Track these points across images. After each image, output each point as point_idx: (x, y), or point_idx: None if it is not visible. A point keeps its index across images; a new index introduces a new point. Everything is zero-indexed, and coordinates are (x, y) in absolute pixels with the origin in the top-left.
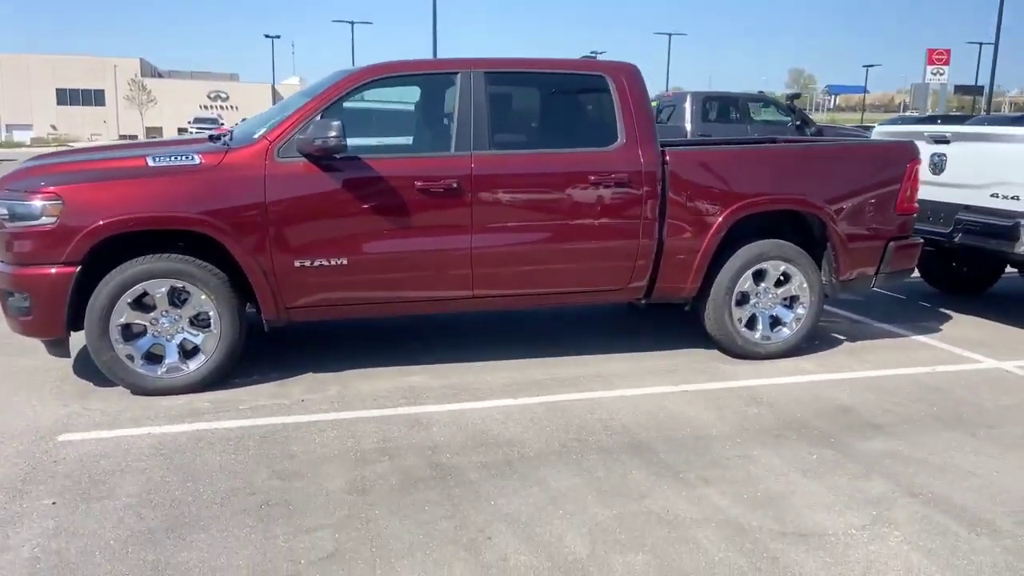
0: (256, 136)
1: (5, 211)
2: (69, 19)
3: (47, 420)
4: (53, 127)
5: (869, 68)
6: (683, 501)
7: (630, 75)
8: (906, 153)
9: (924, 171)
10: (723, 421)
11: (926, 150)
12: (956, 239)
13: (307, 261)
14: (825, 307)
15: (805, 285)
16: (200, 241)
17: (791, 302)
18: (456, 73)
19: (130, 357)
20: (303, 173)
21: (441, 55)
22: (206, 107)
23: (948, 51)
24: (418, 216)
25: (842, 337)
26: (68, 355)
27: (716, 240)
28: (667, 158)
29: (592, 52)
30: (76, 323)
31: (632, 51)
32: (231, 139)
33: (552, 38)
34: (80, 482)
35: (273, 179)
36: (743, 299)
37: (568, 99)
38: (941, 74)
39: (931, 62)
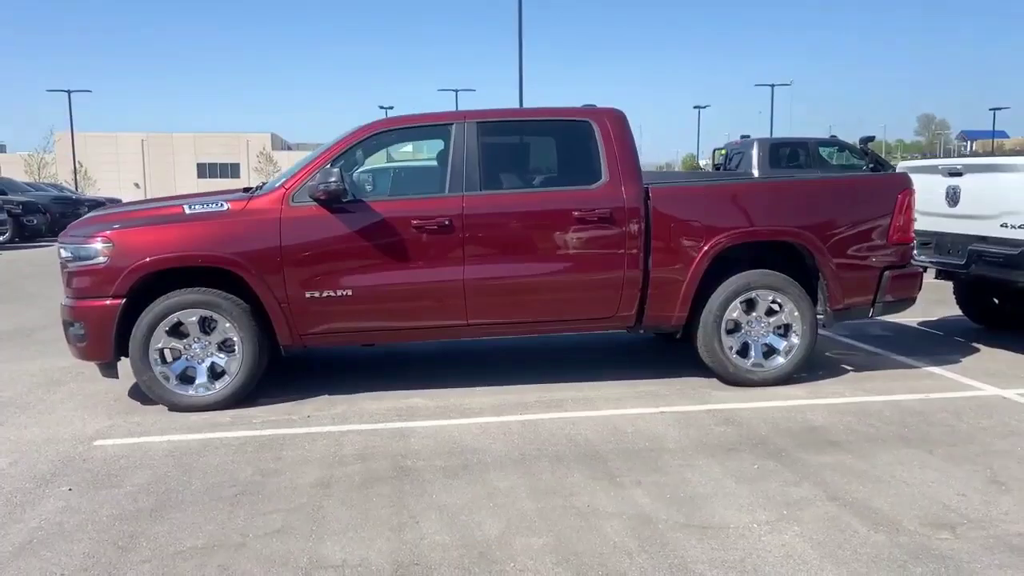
0: (276, 185)
1: (70, 253)
2: (209, 99)
3: (90, 429)
4: None
5: (996, 111)
6: (607, 499)
7: (614, 120)
8: (896, 184)
9: (940, 203)
10: (684, 437)
11: (941, 183)
12: (971, 270)
13: (316, 293)
14: (845, 340)
15: (796, 314)
16: (225, 276)
17: (784, 331)
18: (451, 124)
19: (166, 378)
20: (313, 215)
21: None
22: None
23: None
24: (415, 251)
25: (849, 368)
26: (116, 376)
27: (700, 270)
28: (650, 194)
29: (589, 104)
30: (124, 349)
31: (749, 101)
32: (261, 188)
33: (658, 97)
34: (98, 475)
35: (287, 221)
36: (735, 327)
37: (554, 143)
38: None
39: None
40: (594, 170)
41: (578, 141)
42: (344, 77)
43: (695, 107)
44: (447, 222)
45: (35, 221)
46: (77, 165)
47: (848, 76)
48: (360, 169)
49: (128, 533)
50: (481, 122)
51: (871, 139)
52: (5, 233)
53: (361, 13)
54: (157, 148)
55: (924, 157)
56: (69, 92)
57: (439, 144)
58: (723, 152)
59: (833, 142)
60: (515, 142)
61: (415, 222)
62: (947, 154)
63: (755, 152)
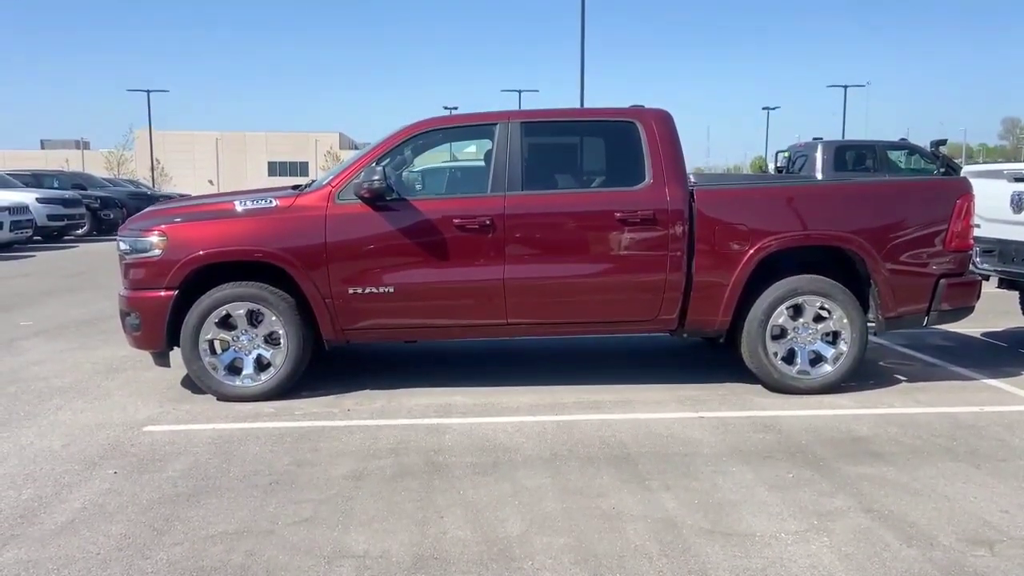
0: (324, 183)
1: (127, 246)
2: (281, 99)
3: (141, 415)
4: None
5: None
6: (634, 501)
7: (659, 120)
8: (955, 190)
9: (1005, 210)
10: (721, 443)
11: (1006, 188)
12: None
13: (359, 289)
14: (902, 349)
15: (845, 321)
16: (273, 270)
17: (833, 338)
18: (495, 124)
19: (214, 368)
20: (358, 213)
21: None
22: None
23: None
24: (456, 250)
25: (902, 378)
26: (168, 365)
27: (745, 274)
28: (695, 196)
29: (637, 105)
30: (176, 339)
31: (823, 102)
32: (309, 185)
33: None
34: (143, 460)
35: (333, 218)
36: (780, 333)
37: (598, 143)
38: None
39: None
40: (638, 171)
41: (622, 142)
42: (409, 78)
43: (764, 108)
44: (488, 221)
45: (112, 215)
46: (155, 162)
47: (928, 77)
48: (409, 168)
49: (164, 516)
50: (525, 122)
51: (943, 143)
52: (83, 226)
53: (426, 15)
54: (230, 146)
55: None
56: (148, 92)
57: (485, 144)
58: (786, 154)
59: (903, 145)
60: (559, 142)
61: (457, 221)
62: None
63: (819, 155)
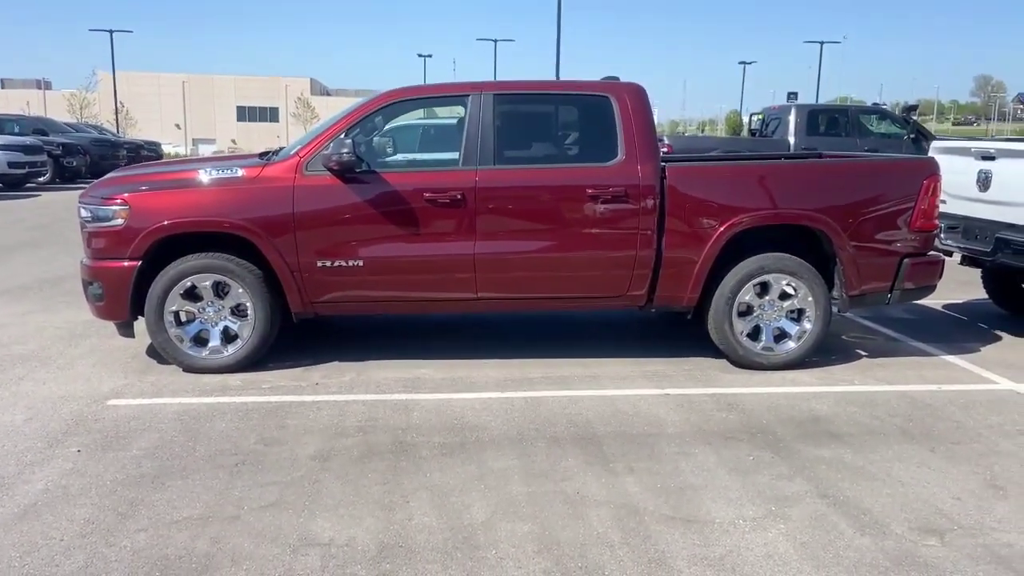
0: (291, 152)
1: (89, 214)
2: (250, 42)
3: (106, 388)
4: (233, 141)
5: None
6: (598, 486)
7: (633, 95)
8: (922, 170)
9: (971, 187)
10: (684, 422)
11: (973, 166)
12: (997, 258)
13: (328, 262)
14: (863, 322)
15: (810, 298)
16: (239, 242)
17: (798, 315)
18: (467, 96)
19: (180, 339)
20: (326, 185)
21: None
22: None
23: None
24: (427, 224)
25: (864, 353)
26: (132, 335)
27: (714, 252)
28: (666, 173)
29: (611, 77)
30: (141, 309)
31: (799, 58)
32: (276, 154)
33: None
34: (107, 437)
35: (300, 190)
36: (747, 310)
37: (572, 118)
38: None
39: None
40: (610, 147)
41: (596, 116)
42: (383, 23)
43: (740, 63)
44: (460, 196)
45: (75, 163)
46: (119, 106)
47: (903, 35)
48: (379, 132)
49: (129, 500)
50: (498, 94)
51: (914, 108)
52: (46, 174)
53: None
54: (198, 90)
55: (978, 119)
56: (111, 32)
57: (458, 111)
58: (760, 117)
59: (875, 110)
60: (531, 115)
61: (428, 195)
62: (1002, 116)
63: (792, 118)
